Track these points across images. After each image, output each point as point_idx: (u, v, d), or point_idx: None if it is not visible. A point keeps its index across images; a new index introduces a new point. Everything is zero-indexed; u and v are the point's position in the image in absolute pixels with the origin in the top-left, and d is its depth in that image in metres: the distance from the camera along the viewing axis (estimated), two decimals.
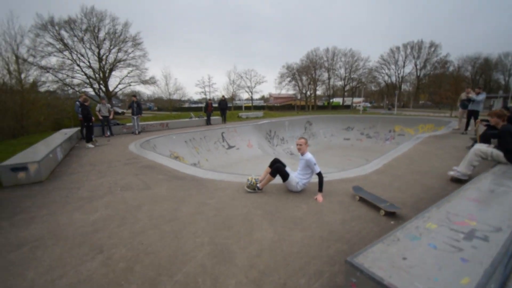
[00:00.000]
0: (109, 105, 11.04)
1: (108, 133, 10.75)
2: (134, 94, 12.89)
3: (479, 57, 54.11)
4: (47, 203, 3.82)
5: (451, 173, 4.43)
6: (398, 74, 61.04)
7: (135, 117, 11.42)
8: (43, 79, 24.20)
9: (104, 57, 29.15)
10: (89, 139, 8.54)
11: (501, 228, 2.01)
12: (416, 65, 58.52)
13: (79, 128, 10.25)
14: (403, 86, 63.85)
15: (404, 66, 59.63)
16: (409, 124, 16.14)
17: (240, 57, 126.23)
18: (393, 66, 60.55)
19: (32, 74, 20.59)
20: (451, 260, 1.65)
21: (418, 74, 58.99)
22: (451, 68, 54.42)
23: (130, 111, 11.70)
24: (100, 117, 10.52)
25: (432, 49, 55.32)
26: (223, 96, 17.48)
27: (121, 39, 29.55)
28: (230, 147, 12.71)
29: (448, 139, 8.49)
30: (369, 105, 63.94)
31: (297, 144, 4.03)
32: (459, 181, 4.24)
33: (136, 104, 11.36)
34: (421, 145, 7.62)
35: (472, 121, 9.09)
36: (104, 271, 2.29)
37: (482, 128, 6.02)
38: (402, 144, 8.27)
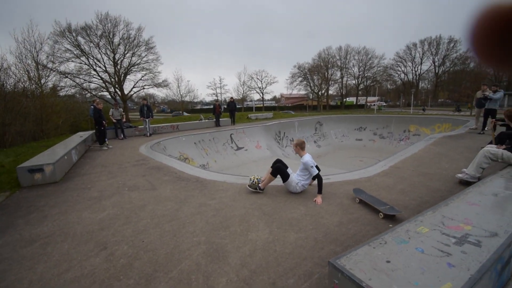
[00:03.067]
0: (121, 109, 11.47)
1: (122, 136, 11.14)
2: (145, 98, 13.29)
3: None
4: (59, 202, 4.05)
5: (460, 175, 4.29)
6: (415, 71, 58.99)
7: (146, 120, 11.78)
8: (61, 84, 25.30)
9: (119, 61, 30.06)
10: (102, 141, 8.90)
11: (497, 234, 1.96)
12: (434, 62, 56.28)
13: (94, 131, 10.71)
14: (421, 84, 61.73)
15: (421, 63, 57.48)
16: (425, 124, 15.58)
17: (251, 58, 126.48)
18: (409, 64, 58.55)
19: (51, 80, 21.54)
20: (437, 264, 1.64)
21: (437, 71, 56.75)
22: (472, 65, 52.05)
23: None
24: (114, 120, 10.95)
25: (451, 44, 52.97)
26: (231, 98, 17.64)
27: (135, 43, 30.37)
28: (238, 148, 12.82)
29: (463, 140, 8.18)
30: (384, 104, 62.32)
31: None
32: (468, 184, 4.09)
33: (146, 107, 11.71)
34: (433, 146, 7.39)
35: (489, 120, 8.71)
36: (106, 266, 2.42)
37: (500, 129, 5.77)
38: (412, 145, 8.05)
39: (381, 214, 3.19)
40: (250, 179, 4.28)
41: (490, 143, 4.96)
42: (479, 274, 1.53)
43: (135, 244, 2.77)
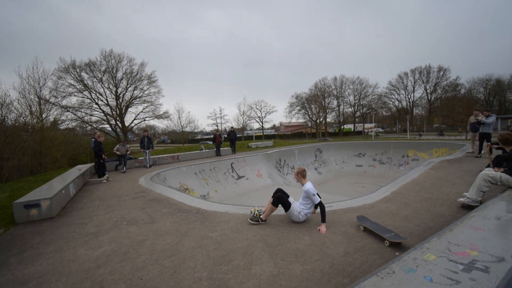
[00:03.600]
0: (128, 146, 11.59)
1: (123, 169, 10.93)
2: (146, 129, 13.51)
3: (490, 79, 53.70)
4: (55, 239, 3.93)
5: (461, 199, 4.26)
6: (409, 98, 61.15)
7: (146, 151, 11.85)
8: (63, 117, 25.84)
9: (121, 95, 31.12)
10: (101, 174, 8.86)
11: (504, 258, 1.92)
12: (426, 90, 58.66)
13: (93, 163, 10.67)
14: (415, 110, 63.53)
15: (414, 91, 59.91)
16: (422, 149, 15.78)
17: (251, 89, 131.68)
18: (402, 91, 60.96)
19: (52, 114, 21.97)
20: None
21: (429, 98, 58.80)
22: (462, 91, 54.11)
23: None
24: (118, 153, 10.96)
25: (441, 73, 55.74)
26: (231, 128, 18.00)
27: (137, 77, 31.73)
28: (239, 177, 12.75)
29: (461, 163, 8.22)
30: (381, 130, 63.44)
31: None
32: (470, 208, 4.05)
33: (147, 138, 11.84)
34: (432, 170, 7.41)
35: (484, 144, 8.84)
36: None
37: (496, 152, 5.85)
38: (412, 170, 8.06)
39: (387, 242, 3.11)
40: (251, 211, 4.22)
41: (488, 166, 5.00)
42: None
43: (133, 283, 2.65)
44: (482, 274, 1.75)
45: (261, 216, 4.07)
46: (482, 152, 9.09)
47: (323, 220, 3.72)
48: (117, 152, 11.03)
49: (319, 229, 3.66)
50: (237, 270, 2.75)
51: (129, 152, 11.62)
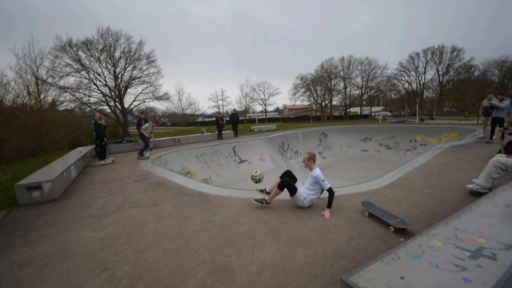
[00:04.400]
0: (154, 126, 10.67)
1: (147, 155, 9.85)
2: (142, 112, 13.15)
3: (506, 60, 51.06)
4: (58, 221, 3.96)
5: (470, 186, 4.18)
6: (419, 81, 58.74)
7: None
8: (61, 98, 25.03)
9: (119, 75, 30.00)
10: (102, 157, 8.84)
11: None
12: (438, 71, 56.05)
13: (93, 146, 10.49)
14: (425, 93, 61.58)
15: (425, 73, 57.15)
16: (431, 133, 15.43)
17: (254, 70, 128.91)
18: (413, 73, 58.32)
19: (50, 94, 21.45)
20: (452, 280, 1.56)
21: (441, 80, 56.46)
22: (476, 73, 51.95)
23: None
24: (146, 135, 9.99)
25: (455, 53, 52.76)
26: (234, 110, 17.73)
27: (136, 57, 30.36)
28: (241, 161, 12.74)
29: (471, 149, 8.06)
30: (389, 114, 62.14)
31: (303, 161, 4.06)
32: (478, 195, 3.98)
33: (144, 121, 10.85)
34: (441, 156, 7.28)
35: (497, 129, 8.62)
36: None
37: (509, 137, 5.67)
38: (420, 156, 7.94)
39: (392, 227, 3.07)
40: (256, 172, 4.31)
41: (499, 152, 4.86)
42: None
43: (137, 264, 2.67)
44: (489, 261, 1.71)
45: (265, 198, 4.04)
46: (494, 137, 8.88)
47: (329, 205, 3.68)
48: (145, 133, 9.83)
49: (323, 214, 3.63)
50: (240, 253, 2.75)
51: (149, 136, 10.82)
